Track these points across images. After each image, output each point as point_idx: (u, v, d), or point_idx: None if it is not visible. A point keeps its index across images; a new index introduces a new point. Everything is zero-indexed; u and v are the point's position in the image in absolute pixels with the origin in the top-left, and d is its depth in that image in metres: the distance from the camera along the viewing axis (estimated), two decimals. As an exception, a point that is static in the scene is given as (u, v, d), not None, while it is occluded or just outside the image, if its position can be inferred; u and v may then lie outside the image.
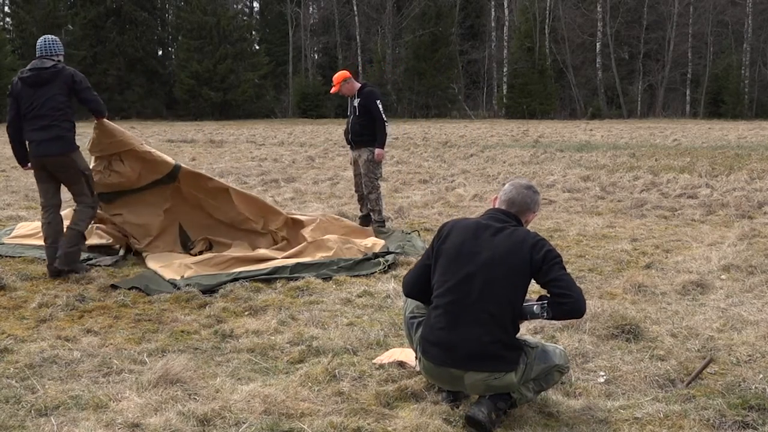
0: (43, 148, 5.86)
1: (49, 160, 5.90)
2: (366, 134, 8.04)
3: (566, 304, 3.21)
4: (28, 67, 5.94)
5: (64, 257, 5.81)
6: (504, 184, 3.63)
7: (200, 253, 6.63)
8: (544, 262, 3.27)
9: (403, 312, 3.79)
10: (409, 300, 3.69)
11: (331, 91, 8.19)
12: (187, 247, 6.83)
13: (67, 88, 5.82)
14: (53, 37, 6.01)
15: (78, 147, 6.05)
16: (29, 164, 6.06)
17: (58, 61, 5.92)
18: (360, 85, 8.18)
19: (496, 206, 3.54)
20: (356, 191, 8.42)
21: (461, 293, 3.29)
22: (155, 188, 6.77)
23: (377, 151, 8.01)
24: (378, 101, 8.03)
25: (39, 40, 5.95)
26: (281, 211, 7.24)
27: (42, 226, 6.03)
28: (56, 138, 5.84)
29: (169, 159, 6.79)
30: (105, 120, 6.29)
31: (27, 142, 5.95)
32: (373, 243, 6.91)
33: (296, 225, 7.10)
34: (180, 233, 6.89)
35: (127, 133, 6.58)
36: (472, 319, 3.26)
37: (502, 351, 3.25)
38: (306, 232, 6.88)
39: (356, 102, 8.07)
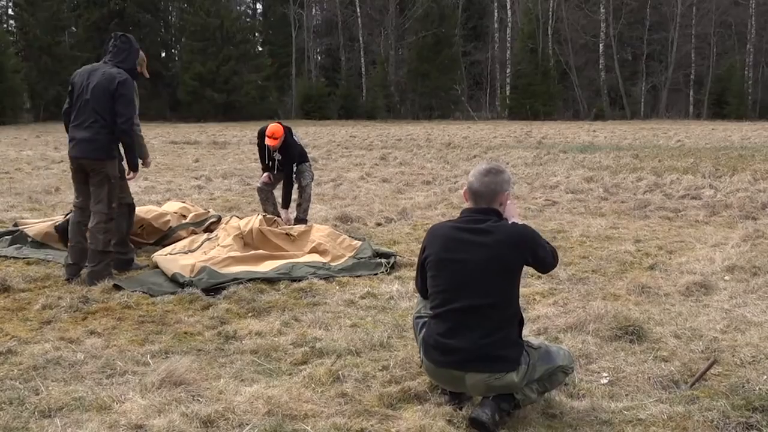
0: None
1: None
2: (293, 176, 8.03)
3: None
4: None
5: (88, 275, 5.75)
6: (468, 174, 3.52)
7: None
8: (534, 260, 3.39)
9: (413, 311, 3.83)
10: (420, 298, 3.72)
11: (271, 144, 7.78)
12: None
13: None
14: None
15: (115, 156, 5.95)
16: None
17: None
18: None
19: (467, 203, 3.47)
20: (261, 199, 8.28)
21: (455, 302, 3.30)
22: None
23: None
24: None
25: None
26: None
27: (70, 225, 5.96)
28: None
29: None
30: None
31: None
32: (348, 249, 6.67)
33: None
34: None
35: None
36: (469, 324, 3.27)
37: (502, 351, 3.25)
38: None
39: (277, 156, 7.96)
